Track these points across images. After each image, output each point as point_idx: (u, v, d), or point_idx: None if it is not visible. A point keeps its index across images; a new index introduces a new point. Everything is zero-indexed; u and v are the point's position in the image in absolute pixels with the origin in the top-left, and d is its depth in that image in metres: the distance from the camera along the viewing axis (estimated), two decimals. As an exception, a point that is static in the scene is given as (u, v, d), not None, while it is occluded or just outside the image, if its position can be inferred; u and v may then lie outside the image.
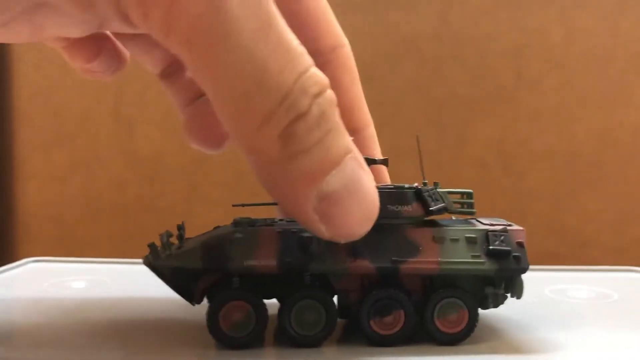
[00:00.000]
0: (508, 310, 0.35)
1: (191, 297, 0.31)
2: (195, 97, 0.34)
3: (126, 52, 0.33)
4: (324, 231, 0.23)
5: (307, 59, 0.22)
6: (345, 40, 0.35)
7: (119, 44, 0.32)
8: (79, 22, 0.25)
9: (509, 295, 0.31)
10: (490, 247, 0.29)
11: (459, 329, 0.29)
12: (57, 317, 0.33)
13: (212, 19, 0.20)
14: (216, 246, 0.29)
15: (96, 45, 0.31)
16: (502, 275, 0.30)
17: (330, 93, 0.22)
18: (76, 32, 0.26)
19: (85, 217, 0.70)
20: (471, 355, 0.28)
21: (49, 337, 0.30)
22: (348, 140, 0.23)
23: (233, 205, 0.32)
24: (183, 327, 0.32)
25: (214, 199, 0.69)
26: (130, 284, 0.41)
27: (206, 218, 0.70)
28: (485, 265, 0.29)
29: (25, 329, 0.32)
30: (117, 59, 0.32)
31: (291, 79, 0.21)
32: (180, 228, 0.31)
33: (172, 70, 0.34)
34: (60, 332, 0.30)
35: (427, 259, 0.29)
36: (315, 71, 0.22)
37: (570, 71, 0.67)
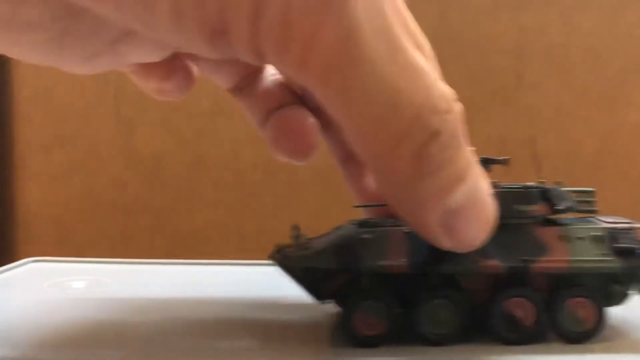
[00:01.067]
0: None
1: (321, 296, 0.31)
2: (273, 109, 0.33)
3: (196, 70, 0.32)
4: (445, 242, 0.24)
5: (433, 76, 0.22)
6: (426, 42, 0.35)
7: (190, 64, 0.31)
8: (161, 47, 0.25)
9: (631, 292, 0.31)
10: (618, 245, 0.29)
11: (588, 326, 0.30)
12: (57, 317, 0.33)
13: (347, 47, 0.20)
14: (347, 246, 0.29)
15: (170, 66, 0.30)
16: (629, 273, 0.30)
17: (458, 106, 0.23)
18: (156, 57, 0.26)
19: (85, 217, 0.70)
20: (466, 356, 0.28)
21: (49, 337, 0.30)
22: (469, 151, 0.24)
23: (354, 207, 0.33)
24: (183, 326, 0.32)
25: (214, 199, 0.69)
26: (130, 284, 0.41)
27: (206, 218, 0.70)
28: (613, 262, 0.29)
29: (25, 329, 0.32)
30: (189, 78, 0.31)
31: (422, 98, 0.22)
32: (296, 228, 0.31)
33: (244, 85, 0.33)
34: (60, 332, 0.31)
35: (557, 258, 0.29)
36: (441, 86, 0.23)
37: (570, 71, 0.67)
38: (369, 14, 0.20)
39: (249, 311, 0.35)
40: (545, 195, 0.30)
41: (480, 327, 0.30)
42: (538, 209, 0.30)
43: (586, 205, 0.31)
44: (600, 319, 0.30)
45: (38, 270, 0.45)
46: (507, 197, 0.29)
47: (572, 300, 0.30)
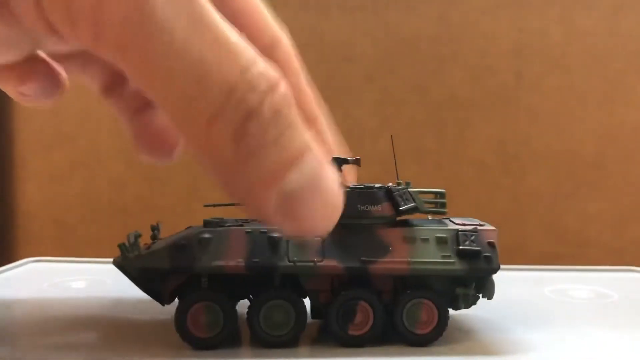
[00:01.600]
0: (508, 311, 0.35)
1: (160, 297, 0.31)
2: (140, 109, 0.32)
3: (64, 75, 0.31)
4: (286, 228, 0.22)
5: (251, 53, 0.21)
6: (282, 36, 0.34)
7: (56, 66, 0.30)
8: (9, 43, 0.24)
9: (480, 295, 0.31)
10: (460, 247, 0.29)
11: (428, 329, 0.29)
12: (57, 317, 0.33)
13: (139, 20, 0.19)
14: (184, 246, 0.29)
15: (27, 68, 0.29)
16: (473, 276, 0.30)
17: (283, 88, 0.22)
18: (9, 56, 0.26)
19: (85, 217, 0.70)
20: (464, 356, 0.28)
21: (49, 337, 0.30)
22: (307, 137, 0.22)
23: (205, 206, 0.32)
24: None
25: (213, 199, 0.69)
26: (130, 284, 0.41)
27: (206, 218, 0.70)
28: (455, 265, 0.29)
29: (25, 329, 0.32)
30: (52, 82, 0.30)
31: (234, 74, 0.20)
32: (154, 229, 0.31)
33: (112, 86, 0.33)
34: (60, 332, 0.30)
35: (397, 259, 0.29)
36: (263, 66, 0.21)
37: (570, 71, 0.67)
38: None
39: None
40: (389, 196, 0.30)
41: (324, 328, 0.30)
42: (382, 209, 0.29)
43: (437, 206, 0.31)
44: (441, 322, 0.29)
45: (38, 270, 0.45)
46: (350, 197, 0.29)
47: (413, 302, 0.29)
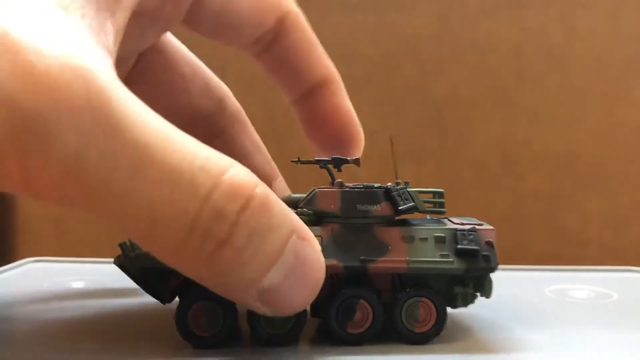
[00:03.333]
0: (507, 310, 0.35)
1: (161, 296, 0.30)
2: (307, 94, 0.32)
3: None
4: (267, 313, 0.23)
5: (216, 169, 0.20)
6: (334, 74, 0.34)
7: None
8: None
9: (478, 294, 0.31)
10: (459, 247, 0.29)
11: (426, 328, 0.29)
12: (57, 317, 0.33)
13: (74, 182, 0.19)
14: None
15: None
16: (471, 275, 0.30)
17: (260, 194, 0.20)
18: None
19: (85, 217, 0.70)
20: (464, 355, 0.28)
21: (49, 337, 0.30)
22: (290, 222, 0.22)
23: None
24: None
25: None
26: (130, 283, 0.41)
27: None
28: (454, 264, 0.29)
29: (25, 329, 0.32)
30: None
31: (194, 206, 0.19)
32: None
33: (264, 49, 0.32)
34: (60, 332, 0.30)
35: (396, 258, 0.29)
36: (231, 180, 0.20)
37: (570, 71, 0.67)
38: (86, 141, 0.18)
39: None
40: (388, 195, 0.30)
41: (323, 327, 0.30)
42: (380, 209, 0.29)
43: (436, 206, 0.31)
44: (439, 320, 0.29)
45: (38, 270, 0.45)
46: (350, 197, 0.29)
47: (411, 301, 0.29)
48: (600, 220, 0.67)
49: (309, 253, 0.23)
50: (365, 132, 0.35)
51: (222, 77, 0.35)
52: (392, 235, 0.29)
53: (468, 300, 0.30)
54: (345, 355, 0.28)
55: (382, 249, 0.29)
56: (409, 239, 0.29)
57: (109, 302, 0.36)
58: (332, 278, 0.29)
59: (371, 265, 0.28)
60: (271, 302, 0.22)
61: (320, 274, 0.23)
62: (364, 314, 0.29)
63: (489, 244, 0.30)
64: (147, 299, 0.32)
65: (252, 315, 0.28)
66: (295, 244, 0.22)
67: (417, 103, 0.68)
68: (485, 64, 0.67)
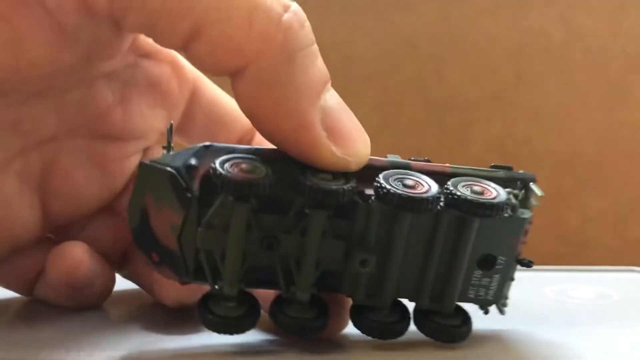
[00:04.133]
0: (507, 310, 0.34)
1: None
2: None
3: None
4: (334, 150, 0.21)
5: None
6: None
7: None
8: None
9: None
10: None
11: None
12: (57, 317, 0.33)
13: None
14: None
15: None
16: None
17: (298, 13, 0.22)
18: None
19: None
20: (462, 355, 0.28)
21: (49, 337, 0.30)
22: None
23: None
24: (184, 326, 0.32)
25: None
26: (130, 283, 0.41)
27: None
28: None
29: (24, 329, 0.32)
30: None
31: None
32: None
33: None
34: (60, 332, 0.30)
35: (439, 164, 0.26)
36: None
37: (570, 71, 0.67)
38: None
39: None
40: None
41: None
42: None
43: None
44: None
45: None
46: None
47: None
48: (601, 220, 0.67)
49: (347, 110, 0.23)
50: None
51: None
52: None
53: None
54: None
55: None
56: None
57: (108, 302, 0.36)
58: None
59: (414, 164, 0.24)
60: (334, 128, 0.21)
61: (365, 133, 0.23)
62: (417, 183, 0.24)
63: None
64: (147, 300, 0.32)
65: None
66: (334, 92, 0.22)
67: (417, 103, 0.68)
68: (485, 64, 0.67)
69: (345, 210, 0.22)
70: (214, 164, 0.20)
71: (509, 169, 0.25)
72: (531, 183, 0.24)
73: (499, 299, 0.26)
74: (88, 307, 0.31)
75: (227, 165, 0.20)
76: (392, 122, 0.67)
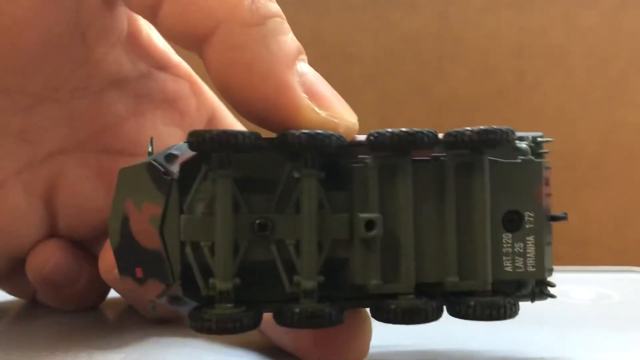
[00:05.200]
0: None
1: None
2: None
3: None
4: (318, 111, 0.20)
5: None
6: None
7: None
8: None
9: None
10: None
11: None
12: (56, 317, 0.33)
13: None
14: None
15: None
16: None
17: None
18: None
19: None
20: (462, 355, 0.28)
21: (49, 337, 0.30)
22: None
23: None
24: (184, 327, 0.32)
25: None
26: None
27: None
28: None
29: (24, 329, 0.32)
30: None
31: None
32: None
33: None
34: (60, 332, 0.30)
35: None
36: None
37: (572, 71, 0.67)
38: None
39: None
40: None
41: None
42: None
43: None
44: None
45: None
46: None
47: None
48: (601, 220, 0.67)
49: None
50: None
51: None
52: None
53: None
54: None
55: None
56: None
57: (108, 302, 0.36)
58: None
59: None
60: (316, 93, 0.20)
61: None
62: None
63: None
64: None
65: None
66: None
67: (417, 103, 0.68)
68: (486, 64, 0.67)
69: (341, 179, 0.20)
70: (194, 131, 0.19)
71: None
72: (544, 140, 0.22)
73: (543, 271, 0.22)
74: (86, 308, 0.31)
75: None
76: (392, 122, 0.67)
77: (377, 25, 0.67)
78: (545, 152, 0.22)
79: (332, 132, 0.19)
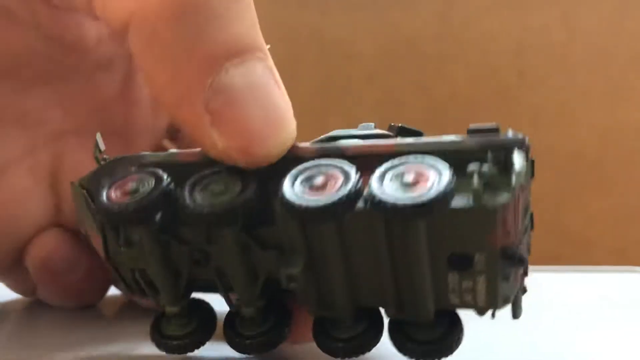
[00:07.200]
0: (508, 311, 0.34)
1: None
2: None
3: None
4: (215, 139, 0.17)
5: None
6: None
7: None
8: None
9: None
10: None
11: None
12: (56, 317, 0.33)
13: None
14: None
15: None
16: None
17: None
18: None
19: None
20: (461, 356, 0.28)
21: (49, 337, 0.30)
22: (260, 36, 0.18)
23: None
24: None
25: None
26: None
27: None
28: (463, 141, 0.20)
29: (24, 329, 0.32)
30: None
31: None
32: None
33: None
34: (60, 332, 0.30)
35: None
36: None
37: (572, 70, 0.67)
38: None
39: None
40: None
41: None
42: None
43: None
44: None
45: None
46: None
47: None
48: (602, 220, 0.67)
49: (276, 91, 0.18)
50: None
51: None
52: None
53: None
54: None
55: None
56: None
57: (108, 302, 0.36)
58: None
59: (349, 148, 0.19)
60: (223, 115, 0.17)
61: (290, 126, 0.18)
62: (331, 180, 0.18)
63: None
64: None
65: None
66: (264, 66, 0.18)
67: (418, 102, 0.68)
68: (487, 63, 0.67)
69: (267, 215, 0.18)
70: (101, 195, 0.18)
71: (493, 130, 0.19)
72: (516, 150, 0.18)
73: (495, 303, 0.20)
74: (86, 304, 0.31)
75: (112, 190, 0.18)
76: (392, 121, 0.67)
77: (377, 25, 0.67)
78: (516, 173, 0.18)
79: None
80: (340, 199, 0.16)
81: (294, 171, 0.17)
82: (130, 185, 0.18)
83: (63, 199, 0.27)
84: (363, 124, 0.20)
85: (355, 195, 0.16)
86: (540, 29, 0.67)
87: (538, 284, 0.44)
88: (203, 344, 0.20)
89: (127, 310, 0.35)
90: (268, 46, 0.19)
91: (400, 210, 0.16)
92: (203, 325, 0.20)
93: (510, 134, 0.19)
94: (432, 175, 0.16)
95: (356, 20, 0.67)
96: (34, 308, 0.35)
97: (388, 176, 0.17)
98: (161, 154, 0.19)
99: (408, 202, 0.16)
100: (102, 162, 0.20)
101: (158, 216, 0.18)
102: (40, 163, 0.26)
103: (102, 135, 0.26)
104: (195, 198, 0.17)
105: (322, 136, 0.20)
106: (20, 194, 0.26)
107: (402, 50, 0.67)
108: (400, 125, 0.21)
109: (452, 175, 0.16)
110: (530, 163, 0.20)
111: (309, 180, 0.17)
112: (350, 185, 0.16)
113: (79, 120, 0.27)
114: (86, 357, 0.27)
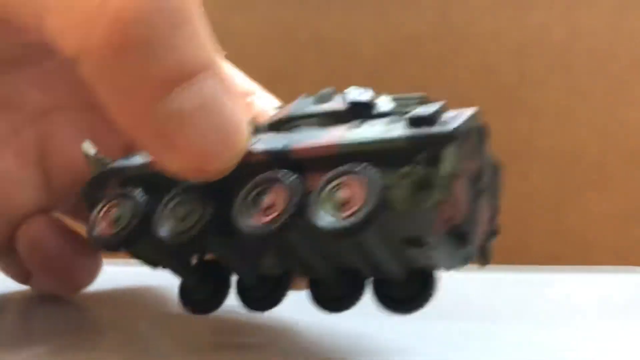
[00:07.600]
0: (508, 311, 0.34)
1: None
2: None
3: None
4: (170, 162, 0.18)
5: None
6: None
7: None
8: None
9: None
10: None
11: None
12: (56, 317, 0.33)
13: None
14: None
15: None
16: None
17: None
18: None
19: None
20: (461, 356, 0.28)
21: (48, 336, 0.30)
22: (210, 54, 0.19)
23: None
24: (184, 326, 0.32)
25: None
26: (130, 284, 0.41)
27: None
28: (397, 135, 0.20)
29: (24, 329, 0.32)
30: None
31: None
32: None
33: None
34: (60, 332, 0.30)
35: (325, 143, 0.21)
36: None
37: (573, 70, 0.67)
38: None
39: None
40: None
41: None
42: None
43: None
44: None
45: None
46: None
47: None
48: (603, 221, 0.67)
49: (226, 101, 0.19)
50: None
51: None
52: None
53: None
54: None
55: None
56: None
57: (108, 302, 0.36)
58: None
59: (295, 149, 0.20)
60: (173, 138, 0.18)
61: (239, 133, 0.19)
62: (275, 199, 0.19)
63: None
64: (147, 300, 0.32)
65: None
66: (211, 79, 0.18)
67: (418, 102, 0.68)
68: (487, 63, 0.67)
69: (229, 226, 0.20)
70: (93, 230, 0.22)
71: (426, 121, 0.20)
72: (447, 147, 0.19)
73: (455, 267, 0.21)
74: (76, 288, 0.31)
75: (101, 223, 0.22)
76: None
77: (377, 25, 0.67)
78: (447, 169, 0.18)
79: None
80: (283, 224, 0.18)
81: (243, 192, 0.19)
82: (114, 212, 0.21)
83: (52, 177, 0.27)
84: (324, 90, 0.22)
85: (295, 215, 0.18)
86: (541, 29, 0.67)
87: (538, 284, 0.45)
88: (222, 303, 0.24)
89: (124, 308, 0.35)
90: (224, 53, 0.21)
91: (331, 233, 0.18)
92: (219, 287, 0.24)
93: (440, 120, 0.21)
94: (361, 192, 0.18)
95: (356, 19, 0.67)
96: (31, 304, 0.35)
97: (323, 194, 0.18)
98: (138, 164, 0.22)
99: (337, 225, 0.17)
100: (100, 163, 0.23)
101: (142, 238, 0.21)
102: (25, 145, 0.26)
103: (86, 108, 0.26)
104: (163, 224, 0.20)
105: (280, 113, 0.22)
106: (8, 177, 0.26)
107: (402, 49, 0.67)
108: (351, 101, 0.22)
109: (381, 191, 0.18)
110: (481, 130, 0.22)
111: (257, 198, 0.19)
112: (290, 209, 0.18)
113: (60, 96, 0.27)
114: (84, 355, 0.27)
